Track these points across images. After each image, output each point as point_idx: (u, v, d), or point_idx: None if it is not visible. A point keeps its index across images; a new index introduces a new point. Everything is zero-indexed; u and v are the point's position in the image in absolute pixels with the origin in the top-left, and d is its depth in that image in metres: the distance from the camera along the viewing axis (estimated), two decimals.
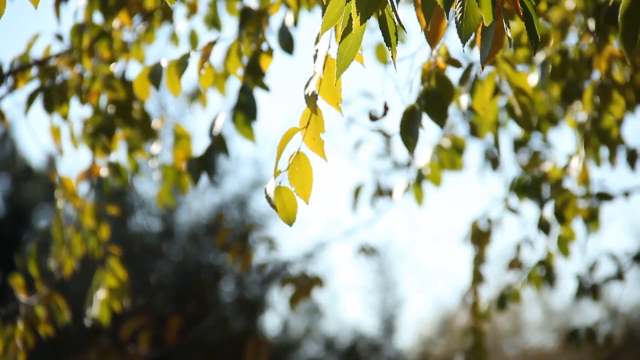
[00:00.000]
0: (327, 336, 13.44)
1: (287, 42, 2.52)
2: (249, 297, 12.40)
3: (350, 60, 1.50)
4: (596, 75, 2.45)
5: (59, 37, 2.93)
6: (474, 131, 3.67)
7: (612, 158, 2.81)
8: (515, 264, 3.86)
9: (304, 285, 3.86)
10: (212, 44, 2.41)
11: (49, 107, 2.87)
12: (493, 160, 4.00)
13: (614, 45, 2.42)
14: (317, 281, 3.88)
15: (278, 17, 2.56)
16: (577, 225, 3.46)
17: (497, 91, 2.21)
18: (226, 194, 12.60)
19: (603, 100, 2.40)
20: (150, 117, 2.98)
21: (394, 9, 1.48)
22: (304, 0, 2.66)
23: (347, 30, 1.47)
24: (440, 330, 15.78)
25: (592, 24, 2.43)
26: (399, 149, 4.23)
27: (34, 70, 2.91)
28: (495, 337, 14.94)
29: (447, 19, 1.46)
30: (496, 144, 2.39)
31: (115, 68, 2.91)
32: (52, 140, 3.04)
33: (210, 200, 12.55)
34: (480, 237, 3.86)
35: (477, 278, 3.93)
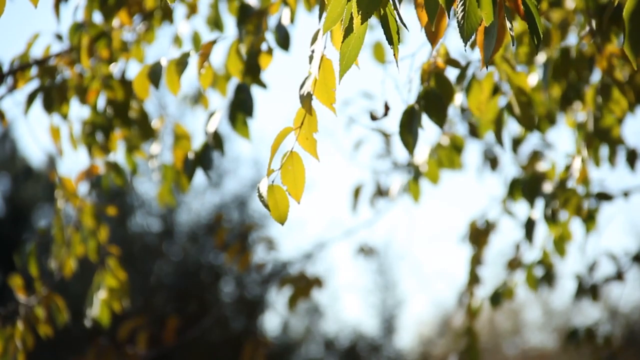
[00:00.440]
0: (327, 336, 13.44)
1: (283, 39, 2.52)
2: (248, 297, 12.40)
3: (353, 59, 1.50)
4: (597, 75, 2.45)
5: (59, 37, 2.93)
6: (473, 131, 3.67)
7: (612, 158, 2.82)
8: (514, 263, 3.86)
9: (303, 286, 3.86)
10: (212, 43, 2.41)
11: (49, 107, 2.87)
12: (492, 160, 4.00)
13: (615, 44, 2.42)
14: (316, 281, 3.88)
15: (277, 17, 2.56)
16: (576, 226, 3.46)
17: (496, 91, 2.21)
18: (226, 194, 12.60)
19: (604, 99, 2.40)
20: (149, 117, 2.98)
21: (395, 8, 1.48)
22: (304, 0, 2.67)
23: (349, 30, 1.47)
24: (440, 330, 15.78)
25: (593, 24, 2.43)
26: (399, 149, 4.23)
27: (33, 70, 2.91)
28: (495, 337, 14.95)
29: (449, 18, 1.46)
30: (499, 142, 2.39)
31: (115, 68, 2.91)
32: (51, 140, 3.03)
33: (210, 200, 12.56)
34: (478, 237, 3.86)
35: (474, 279, 3.93)
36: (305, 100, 1.59)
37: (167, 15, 3.06)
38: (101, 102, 2.89)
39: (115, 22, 2.90)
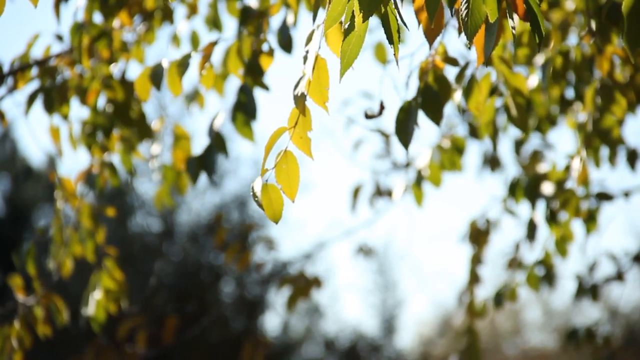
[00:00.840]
0: (327, 336, 13.44)
1: (286, 41, 2.52)
2: (248, 297, 12.40)
3: (354, 58, 1.51)
4: (597, 75, 2.45)
5: (59, 37, 2.93)
6: (473, 132, 3.67)
7: (612, 158, 2.82)
8: (514, 263, 3.86)
9: (302, 286, 3.86)
10: (213, 44, 2.41)
11: (50, 108, 2.87)
12: (492, 161, 4.00)
13: (615, 45, 2.42)
14: (315, 281, 3.88)
15: (278, 18, 2.56)
16: (577, 226, 3.46)
17: (494, 92, 2.21)
18: (226, 194, 12.60)
19: (604, 100, 2.40)
20: (147, 117, 2.98)
21: (396, 7, 1.48)
22: (305, 0, 2.67)
23: (350, 28, 1.48)
24: (440, 330, 15.78)
25: (593, 24, 2.43)
26: (398, 149, 4.23)
27: (34, 71, 2.91)
28: (495, 337, 14.95)
29: (452, 15, 1.46)
30: (493, 144, 2.39)
31: (115, 68, 2.91)
32: (51, 140, 3.03)
33: (210, 200, 12.56)
34: (478, 237, 3.86)
35: (474, 278, 3.93)
36: (299, 100, 1.60)
37: (168, 15, 3.06)
38: (101, 103, 2.89)
39: (116, 23, 2.90)
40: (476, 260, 3.89)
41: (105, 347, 3.61)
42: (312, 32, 1.65)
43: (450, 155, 3.20)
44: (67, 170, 11.77)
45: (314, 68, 1.60)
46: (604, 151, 3.05)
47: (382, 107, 2.13)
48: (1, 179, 13.07)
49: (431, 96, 2.01)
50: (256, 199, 1.60)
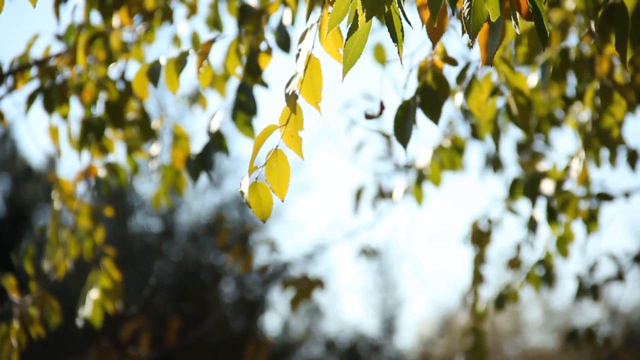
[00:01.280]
0: (328, 336, 13.43)
1: (284, 40, 2.51)
2: (249, 298, 12.39)
3: (357, 57, 1.50)
4: (597, 76, 2.45)
5: (59, 38, 2.93)
6: (475, 133, 3.67)
7: (612, 159, 2.81)
8: (515, 263, 3.86)
9: (305, 288, 3.86)
10: (211, 42, 2.41)
11: (49, 108, 2.86)
12: (494, 161, 3.99)
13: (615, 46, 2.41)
14: (318, 283, 3.88)
15: (277, 16, 2.56)
16: (577, 226, 3.46)
17: (495, 92, 2.21)
18: (226, 194, 12.59)
19: (604, 101, 2.39)
20: (150, 117, 2.97)
21: (400, 6, 1.48)
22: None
23: (353, 27, 1.47)
24: (441, 330, 15.77)
25: (592, 25, 2.42)
26: (400, 151, 4.23)
27: (33, 71, 2.91)
28: (496, 337, 14.94)
29: (454, 14, 1.45)
30: (495, 145, 2.38)
31: (115, 68, 2.90)
32: (50, 140, 3.03)
33: (210, 200, 12.55)
34: (480, 237, 3.86)
35: (477, 278, 3.92)
36: (290, 98, 1.59)
37: (167, 15, 3.05)
38: (98, 103, 2.88)
39: (116, 23, 2.90)
40: (479, 260, 3.89)
41: (108, 349, 3.60)
42: (306, 31, 1.65)
43: (450, 155, 3.19)
44: (67, 171, 11.77)
45: (306, 67, 1.59)
46: (604, 151, 3.04)
47: (382, 108, 2.13)
48: (1, 179, 13.06)
49: (430, 95, 2.01)
50: (244, 196, 1.59)
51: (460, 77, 2.19)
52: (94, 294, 3.17)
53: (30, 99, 2.87)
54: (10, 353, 3.01)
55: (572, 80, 2.81)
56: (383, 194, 4.09)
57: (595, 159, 3.01)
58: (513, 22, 1.46)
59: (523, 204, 3.42)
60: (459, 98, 2.52)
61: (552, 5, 2.77)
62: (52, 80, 2.87)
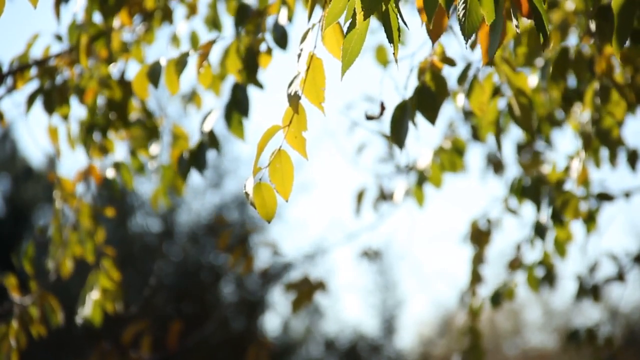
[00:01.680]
0: (328, 336, 13.44)
1: (281, 38, 2.51)
2: (249, 298, 12.40)
3: (355, 56, 1.50)
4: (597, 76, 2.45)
5: (59, 38, 2.93)
6: (476, 134, 3.67)
7: (612, 159, 2.81)
8: (515, 264, 3.85)
9: (307, 290, 3.85)
10: (211, 42, 2.41)
11: (49, 108, 2.86)
12: (495, 163, 3.99)
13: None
14: (319, 285, 3.87)
15: (274, 15, 2.55)
16: (577, 226, 3.46)
17: (496, 92, 2.21)
18: (226, 194, 12.60)
19: (604, 101, 2.39)
20: (154, 116, 2.98)
21: (397, 5, 1.48)
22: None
23: (351, 26, 1.47)
24: (440, 330, 15.77)
25: (592, 25, 2.42)
26: (402, 153, 4.23)
27: (33, 71, 2.91)
28: (496, 337, 14.94)
29: (448, 16, 1.46)
30: (498, 145, 2.38)
31: (114, 68, 2.90)
32: (49, 141, 3.03)
33: (210, 200, 12.55)
34: (479, 237, 3.86)
35: (476, 278, 3.92)
36: (293, 99, 1.59)
37: (167, 15, 3.05)
38: (99, 103, 2.88)
39: (116, 23, 2.90)
40: (478, 260, 3.89)
41: (109, 351, 3.60)
42: (307, 30, 1.65)
43: (450, 157, 3.19)
44: (67, 171, 11.76)
45: (309, 67, 1.59)
46: (604, 152, 3.04)
47: (382, 108, 2.13)
48: (1, 179, 13.07)
49: (427, 95, 2.01)
50: (248, 197, 1.59)
51: (462, 78, 2.19)
52: (94, 295, 3.17)
53: (30, 99, 2.87)
54: (9, 353, 3.01)
55: (572, 80, 2.82)
56: (384, 196, 4.09)
57: (595, 159, 3.01)
58: (515, 21, 1.46)
59: (523, 204, 3.42)
60: (460, 99, 2.52)
61: (552, 5, 2.77)
62: (52, 81, 2.87)
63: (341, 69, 1.50)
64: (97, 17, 2.86)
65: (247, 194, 1.59)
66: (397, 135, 1.99)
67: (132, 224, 12.20)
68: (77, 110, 2.95)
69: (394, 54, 1.50)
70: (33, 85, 2.90)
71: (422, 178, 3.36)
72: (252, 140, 12.37)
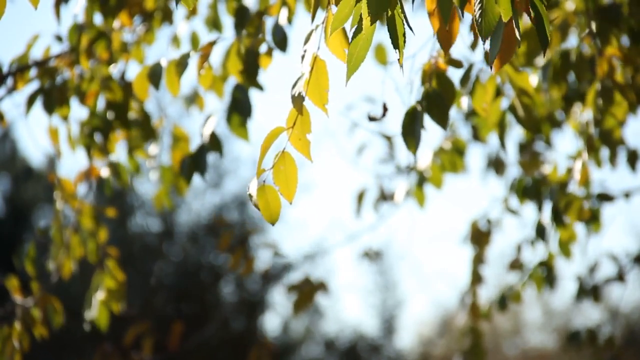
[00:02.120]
0: (328, 336, 13.43)
1: (280, 39, 2.51)
2: (249, 298, 12.39)
3: (361, 60, 1.49)
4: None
5: (59, 38, 2.93)
6: (476, 134, 3.67)
7: (612, 159, 2.81)
8: (515, 264, 3.85)
9: (308, 291, 3.85)
10: (211, 44, 2.41)
11: (49, 109, 2.86)
12: (496, 163, 3.99)
13: (615, 46, 2.41)
14: (321, 286, 3.87)
15: (276, 17, 2.55)
16: (578, 227, 3.46)
17: (499, 92, 2.20)
18: (226, 195, 12.59)
19: (605, 102, 2.39)
20: (151, 118, 2.97)
21: (402, 11, 1.47)
22: (303, 0, 2.66)
23: (358, 30, 1.47)
24: (440, 330, 15.77)
25: (593, 26, 2.42)
26: (402, 153, 4.23)
27: (33, 71, 2.90)
28: (495, 337, 14.94)
29: (461, 18, 1.45)
30: (502, 145, 2.38)
31: (115, 69, 2.90)
32: (50, 141, 3.03)
33: (210, 200, 12.55)
34: (480, 237, 3.86)
35: (476, 278, 3.92)
36: (297, 100, 1.58)
37: (167, 16, 3.05)
38: (100, 104, 2.88)
39: (116, 23, 2.90)
40: (478, 260, 3.89)
41: (111, 353, 3.60)
42: (311, 32, 1.64)
43: (451, 157, 3.19)
44: (67, 171, 11.76)
45: (312, 69, 1.58)
46: (605, 152, 3.04)
47: (385, 109, 2.12)
48: (1, 179, 13.06)
49: (436, 100, 2.00)
50: (252, 200, 1.58)
51: (464, 79, 2.18)
52: (99, 295, 3.17)
53: (31, 100, 2.87)
54: (13, 354, 3.01)
55: (572, 80, 2.81)
56: (384, 196, 4.09)
57: (595, 160, 3.00)
58: (515, 25, 1.46)
59: (522, 204, 3.42)
60: (462, 100, 2.52)
61: (552, 5, 2.76)
62: (52, 81, 2.87)
63: (346, 74, 1.50)
64: (98, 18, 2.86)
65: (250, 196, 1.59)
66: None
67: (132, 224, 12.20)
68: (77, 111, 2.95)
69: (399, 60, 1.49)
70: (33, 86, 2.90)
71: (422, 179, 3.36)
72: (253, 141, 12.36)
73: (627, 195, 3.59)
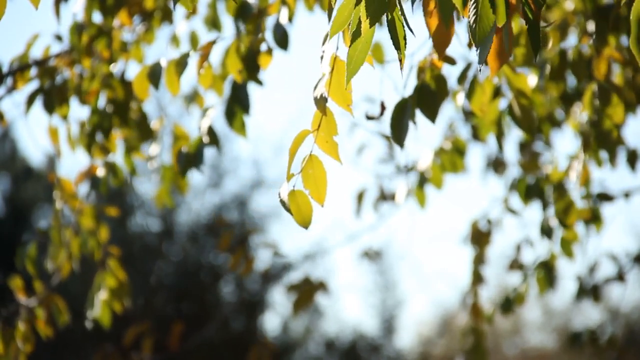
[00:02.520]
0: (327, 336, 13.43)
1: (281, 38, 2.50)
2: (249, 298, 12.39)
3: (360, 63, 1.49)
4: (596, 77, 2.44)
5: (59, 38, 2.93)
6: (476, 134, 3.67)
7: (612, 159, 2.81)
8: (515, 264, 3.85)
9: (308, 291, 3.85)
10: (211, 43, 2.41)
11: (49, 108, 2.86)
12: (496, 163, 3.99)
13: (613, 47, 2.41)
14: (321, 286, 3.87)
15: (276, 16, 2.55)
16: (579, 227, 3.46)
17: (497, 93, 2.20)
18: (226, 194, 12.59)
19: (602, 103, 2.39)
20: (148, 118, 2.97)
21: (402, 13, 1.47)
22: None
23: (357, 34, 1.47)
24: (440, 330, 15.77)
25: (591, 26, 2.42)
26: (402, 153, 4.23)
27: (33, 71, 2.90)
28: (495, 337, 14.94)
29: (463, 17, 1.44)
30: (499, 146, 2.38)
31: (115, 68, 2.90)
32: (50, 141, 3.03)
33: (210, 200, 12.55)
34: (480, 237, 3.85)
35: (477, 278, 3.92)
36: (320, 102, 1.58)
37: (167, 15, 3.05)
38: (101, 103, 2.88)
39: (116, 22, 2.90)
40: (478, 260, 3.89)
41: (111, 353, 3.60)
42: (328, 32, 1.64)
43: (451, 157, 3.19)
44: (66, 171, 11.76)
45: (332, 69, 1.58)
46: (604, 152, 3.04)
47: (383, 108, 2.12)
48: (1, 179, 13.06)
49: (427, 93, 2.00)
50: (284, 205, 1.57)
51: (462, 78, 2.18)
52: (102, 295, 3.18)
53: (30, 100, 2.87)
54: (17, 355, 3.01)
55: (571, 79, 2.81)
56: (385, 197, 4.09)
57: (595, 159, 3.00)
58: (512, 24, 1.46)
59: (527, 205, 3.41)
60: (460, 99, 2.52)
61: (551, 5, 2.76)
62: (52, 81, 2.87)
63: (346, 77, 1.50)
64: (97, 17, 2.86)
65: (283, 202, 1.58)
66: (398, 134, 1.98)
67: (132, 224, 12.19)
68: (77, 111, 2.95)
69: (400, 61, 1.49)
70: (33, 86, 2.90)
71: (422, 179, 3.35)
72: (253, 139, 12.37)
73: (627, 195, 3.59)
